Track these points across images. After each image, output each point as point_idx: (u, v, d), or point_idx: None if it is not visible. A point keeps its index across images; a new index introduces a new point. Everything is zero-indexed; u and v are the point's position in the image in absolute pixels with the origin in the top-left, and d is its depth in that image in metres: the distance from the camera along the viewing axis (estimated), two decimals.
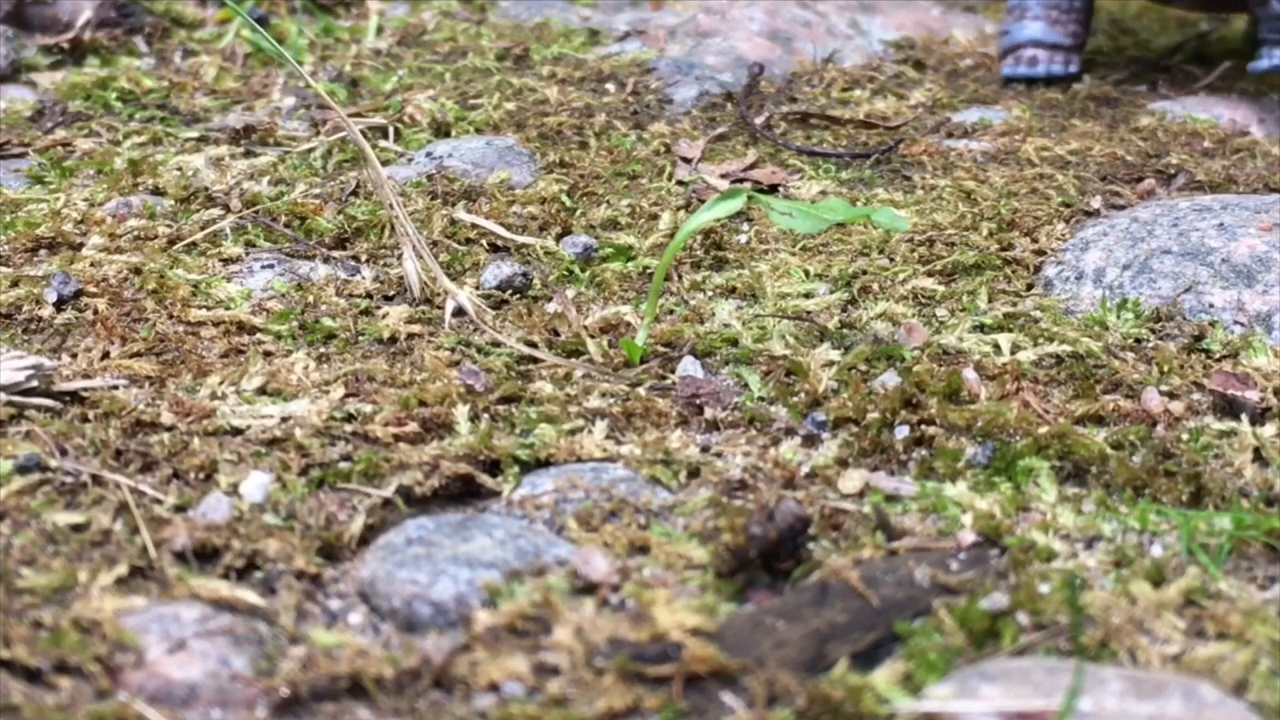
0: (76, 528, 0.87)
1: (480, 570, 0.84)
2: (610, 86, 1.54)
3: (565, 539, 0.88)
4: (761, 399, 1.02)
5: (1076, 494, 0.93)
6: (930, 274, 1.17)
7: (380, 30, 1.70)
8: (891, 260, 1.19)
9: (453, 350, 1.06)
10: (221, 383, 1.01)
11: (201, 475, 0.92)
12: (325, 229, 1.21)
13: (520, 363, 1.04)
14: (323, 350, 1.06)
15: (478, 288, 1.14)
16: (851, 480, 0.93)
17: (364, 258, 1.19)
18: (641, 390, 1.01)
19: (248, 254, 1.19)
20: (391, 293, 1.14)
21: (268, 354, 1.05)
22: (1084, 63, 1.64)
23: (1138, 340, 1.09)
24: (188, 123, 1.44)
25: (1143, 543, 0.89)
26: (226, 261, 1.18)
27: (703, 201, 1.25)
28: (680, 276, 1.17)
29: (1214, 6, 1.60)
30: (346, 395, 1.00)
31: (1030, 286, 1.17)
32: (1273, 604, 0.84)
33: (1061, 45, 1.60)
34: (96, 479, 0.91)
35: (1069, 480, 0.94)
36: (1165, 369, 1.04)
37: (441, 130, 1.43)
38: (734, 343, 1.07)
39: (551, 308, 1.12)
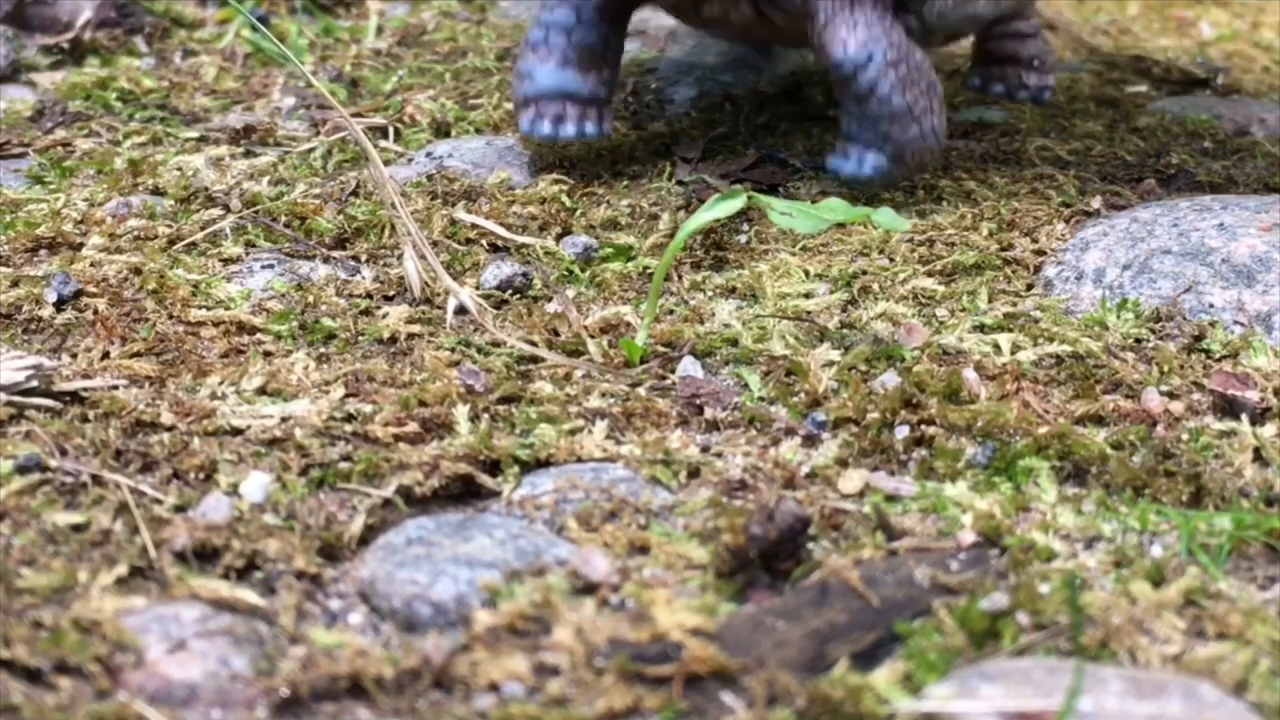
0: (76, 528, 0.87)
1: (480, 570, 0.84)
2: None
3: (565, 539, 0.88)
4: (761, 399, 1.02)
5: (1076, 494, 0.93)
6: (930, 274, 1.17)
7: (380, 30, 1.70)
8: (891, 260, 1.19)
9: (453, 350, 1.06)
10: (221, 383, 1.01)
11: (201, 475, 0.92)
12: (325, 229, 1.21)
13: (520, 363, 1.04)
14: (323, 350, 1.06)
15: (478, 288, 1.14)
16: (851, 480, 0.93)
17: (364, 258, 1.19)
18: (641, 390, 1.01)
19: (248, 254, 1.19)
20: (391, 293, 1.14)
21: (268, 354, 1.05)
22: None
23: (1138, 340, 1.09)
24: (188, 123, 1.44)
25: (1143, 543, 0.89)
26: (226, 261, 1.18)
27: (703, 201, 1.25)
28: (680, 276, 1.17)
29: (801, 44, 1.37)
30: (346, 395, 1.00)
31: (1030, 286, 1.17)
32: (1273, 604, 0.84)
33: (596, 98, 1.30)
34: (96, 479, 0.91)
35: (1069, 480, 0.94)
36: (1165, 369, 1.04)
37: (441, 130, 1.43)
38: (734, 343, 1.07)
39: (551, 308, 1.12)
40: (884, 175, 1.25)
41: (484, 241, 1.21)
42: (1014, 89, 1.46)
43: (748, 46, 1.50)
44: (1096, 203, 1.29)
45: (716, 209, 1.06)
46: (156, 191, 1.28)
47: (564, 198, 1.27)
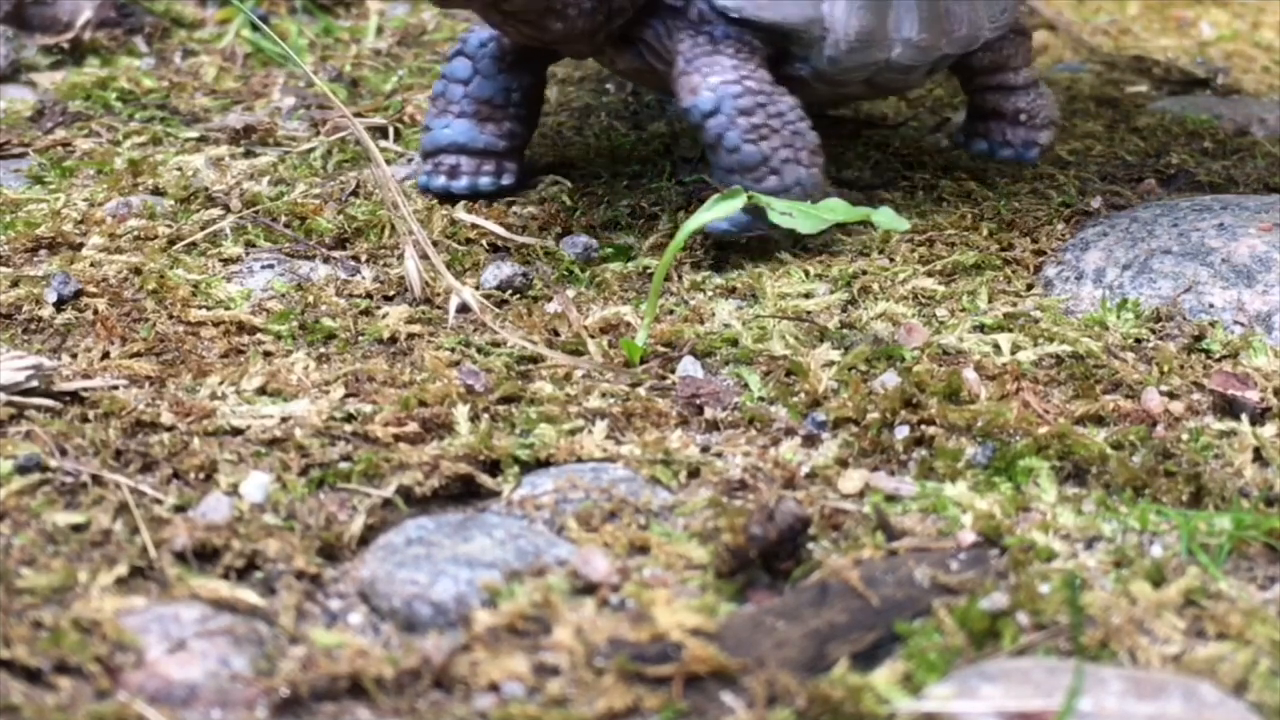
0: (76, 528, 0.87)
1: (480, 570, 0.84)
2: (610, 86, 1.54)
3: (565, 539, 0.88)
4: (761, 399, 1.02)
5: (1076, 494, 0.93)
6: (930, 274, 1.17)
7: (380, 30, 1.70)
8: (891, 260, 1.19)
9: (453, 350, 1.06)
10: (221, 383, 1.01)
11: (201, 475, 0.92)
12: (325, 229, 1.21)
13: (520, 363, 1.04)
14: (323, 350, 1.06)
15: (478, 288, 1.14)
16: (851, 480, 0.93)
17: (364, 258, 1.19)
18: (641, 390, 1.01)
19: (248, 254, 1.19)
20: (391, 293, 1.14)
21: (268, 354, 1.05)
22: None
23: (1138, 340, 1.09)
24: (188, 123, 1.44)
25: (1143, 543, 0.89)
26: (226, 261, 1.18)
27: (703, 201, 1.25)
28: (680, 276, 1.17)
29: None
30: (346, 395, 1.00)
31: (1030, 286, 1.17)
32: (1273, 604, 0.84)
33: (493, 150, 1.26)
34: (96, 479, 0.91)
35: (1069, 480, 0.94)
36: (1165, 369, 1.04)
37: None
38: (734, 343, 1.07)
39: (551, 308, 1.12)
40: (742, 228, 1.16)
41: (484, 241, 1.21)
42: (996, 146, 1.35)
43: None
44: (1096, 203, 1.29)
45: (716, 209, 1.06)
46: (156, 191, 1.28)
47: (564, 198, 1.27)
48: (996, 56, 1.33)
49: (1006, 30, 1.31)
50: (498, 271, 1.15)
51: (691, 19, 1.18)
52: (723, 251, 1.20)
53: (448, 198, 1.26)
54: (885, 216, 1.09)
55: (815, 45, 1.20)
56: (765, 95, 1.16)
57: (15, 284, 1.12)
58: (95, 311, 1.09)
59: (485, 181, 1.26)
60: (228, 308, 1.11)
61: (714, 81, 1.16)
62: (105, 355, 1.04)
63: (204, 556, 0.86)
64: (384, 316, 1.10)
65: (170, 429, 0.96)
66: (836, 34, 1.19)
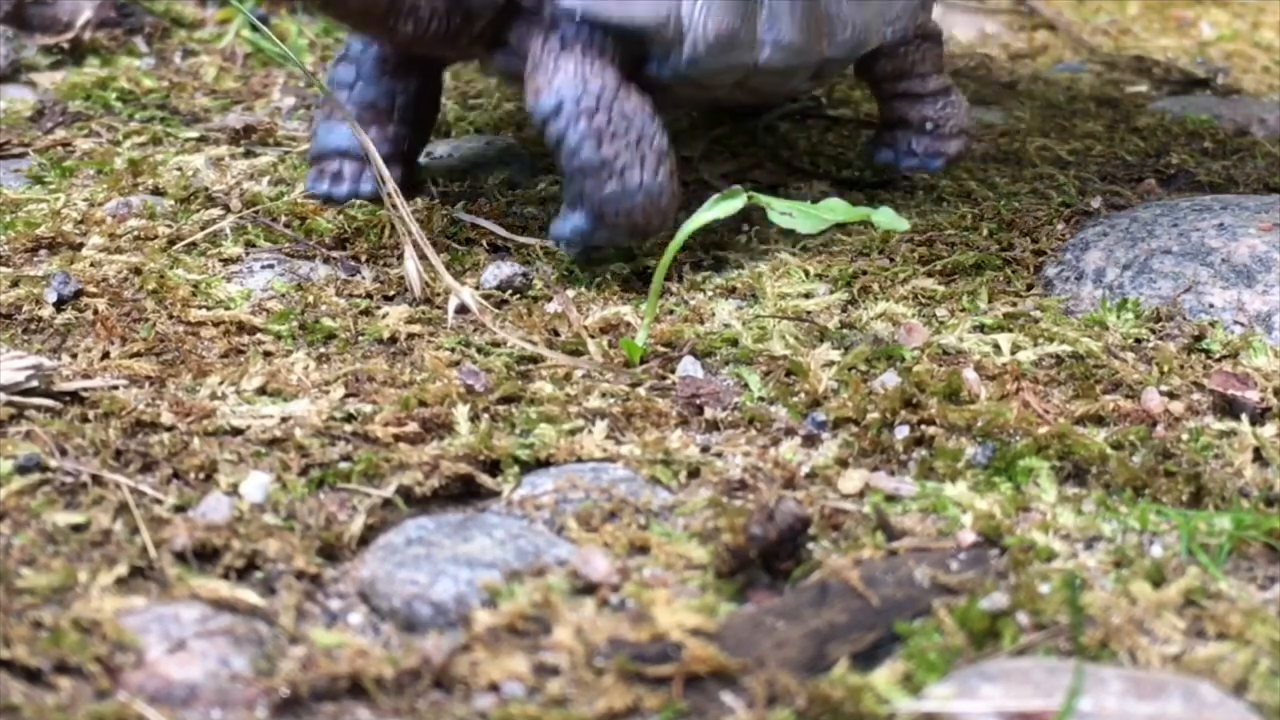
0: (76, 528, 0.87)
1: (480, 570, 0.84)
2: None
3: (565, 539, 0.88)
4: (761, 399, 1.02)
5: (1076, 494, 0.93)
6: (930, 274, 1.17)
7: None
8: (891, 260, 1.19)
9: (453, 350, 1.06)
10: (221, 383, 1.01)
11: (201, 475, 0.92)
12: (325, 229, 1.21)
13: (520, 363, 1.04)
14: (323, 350, 1.06)
15: (478, 288, 1.14)
16: (851, 480, 0.93)
17: (364, 258, 1.19)
18: (641, 390, 1.01)
19: (248, 254, 1.19)
20: (391, 293, 1.14)
21: (268, 354, 1.05)
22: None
23: (1138, 340, 1.09)
24: (188, 123, 1.44)
25: (1143, 543, 0.89)
26: (226, 261, 1.18)
27: (702, 201, 1.25)
28: (680, 276, 1.17)
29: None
30: (346, 395, 1.00)
31: (1030, 286, 1.17)
32: (1273, 604, 0.84)
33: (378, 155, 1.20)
34: (96, 479, 0.91)
35: (1069, 480, 0.94)
36: (1165, 369, 1.04)
37: (441, 130, 1.43)
38: (734, 343, 1.07)
39: (551, 308, 1.12)
40: (585, 237, 1.13)
41: (484, 241, 1.21)
42: (901, 155, 1.32)
43: None
44: (1096, 203, 1.29)
45: (716, 209, 1.06)
46: (156, 191, 1.28)
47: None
48: (900, 63, 1.29)
49: (908, 35, 1.27)
50: (498, 271, 1.15)
51: (545, 21, 1.14)
52: (722, 251, 1.20)
53: (329, 202, 1.24)
54: (885, 216, 1.09)
55: (672, 47, 1.14)
56: (613, 96, 1.11)
57: (15, 284, 1.12)
58: (95, 311, 1.09)
59: (367, 189, 1.24)
60: (228, 308, 1.11)
61: (557, 83, 1.11)
62: (105, 355, 1.04)
63: (204, 556, 0.86)
64: (384, 316, 1.10)
65: (170, 429, 0.96)
66: (694, 35, 1.14)
